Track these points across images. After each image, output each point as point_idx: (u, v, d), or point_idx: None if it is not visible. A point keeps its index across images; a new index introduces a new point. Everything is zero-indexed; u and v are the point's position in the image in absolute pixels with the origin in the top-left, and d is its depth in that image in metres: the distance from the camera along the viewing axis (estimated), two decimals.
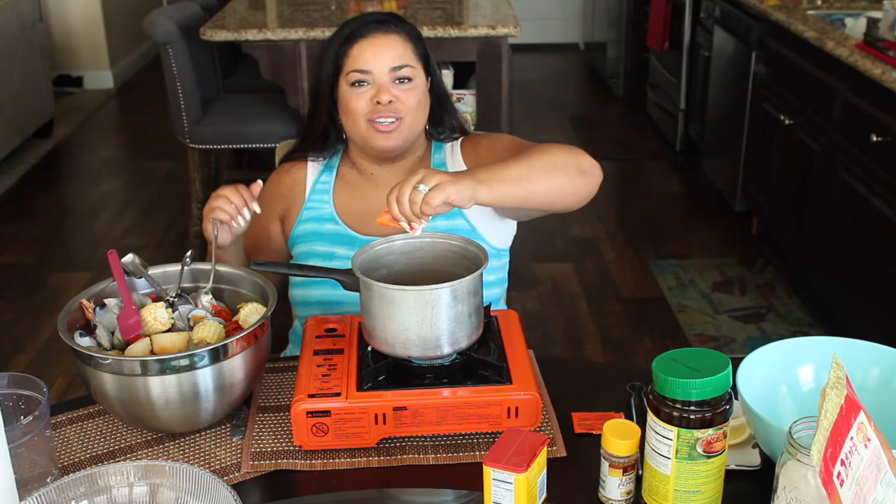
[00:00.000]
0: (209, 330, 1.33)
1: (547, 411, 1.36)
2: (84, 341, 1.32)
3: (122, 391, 1.26)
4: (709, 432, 1.07)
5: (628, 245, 3.92)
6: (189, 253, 1.47)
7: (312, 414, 1.25)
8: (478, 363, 1.34)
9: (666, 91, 5.06)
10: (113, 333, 1.37)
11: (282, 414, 1.37)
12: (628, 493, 1.16)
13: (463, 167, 1.67)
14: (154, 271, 1.47)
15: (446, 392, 1.29)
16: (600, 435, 1.16)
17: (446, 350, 1.32)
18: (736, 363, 1.16)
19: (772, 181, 3.58)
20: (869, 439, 0.94)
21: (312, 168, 1.73)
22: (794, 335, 3.09)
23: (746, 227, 4.02)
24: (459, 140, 1.73)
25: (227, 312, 1.42)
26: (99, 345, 1.34)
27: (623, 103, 5.94)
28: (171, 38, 3.46)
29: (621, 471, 1.15)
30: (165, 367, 1.23)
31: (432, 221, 1.34)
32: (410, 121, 1.61)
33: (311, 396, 1.26)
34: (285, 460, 1.27)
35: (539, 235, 3.93)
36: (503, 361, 1.34)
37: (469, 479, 1.21)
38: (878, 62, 2.67)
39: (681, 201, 4.44)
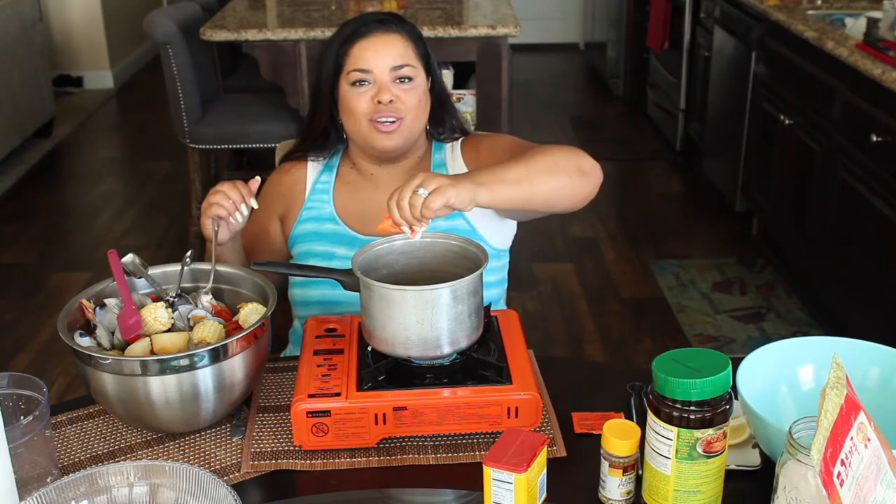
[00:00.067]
0: (209, 330, 1.33)
1: (547, 411, 1.36)
2: (84, 341, 1.32)
3: (122, 391, 1.26)
4: (709, 432, 1.07)
5: (628, 245, 3.92)
6: (189, 253, 1.47)
7: (312, 414, 1.25)
8: (478, 363, 1.34)
9: (666, 91, 5.06)
10: (113, 333, 1.37)
11: (282, 414, 1.37)
12: (628, 493, 1.16)
13: (463, 167, 1.67)
14: (154, 271, 1.47)
15: (446, 392, 1.29)
16: (600, 435, 1.16)
17: (446, 350, 1.32)
18: (736, 363, 1.16)
19: (772, 181, 3.58)
20: (869, 439, 0.94)
21: (312, 168, 1.73)
22: (794, 335, 3.09)
23: (746, 227, 4.02)
24: (460, 140, 1.73)
25: (227, 312, 1.42)
26: (99, 345, 1.34)
27: (623, 103, 5.94)
28: (171, 38, 3.46)
29: (621, 471, 1.15)
30: (165, 367, 1.23)
31: (432, 222, 1.34)
32: (411, 121, 1.61)
33: (311, 396, 1.26)
34: (285, 460, 1.27)
35: (539, 235, 3.93)
36: (503, 361, 1.34)
37: (469, 479, 1.21)
38: (878, 62, 2.67)
39: (681, 201, 4.44)
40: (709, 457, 1.08)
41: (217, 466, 1.27)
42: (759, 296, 3.48)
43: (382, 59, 1.58)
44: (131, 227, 4.20)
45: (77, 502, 1.06)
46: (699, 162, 4.62)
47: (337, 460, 1.27)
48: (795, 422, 1.00)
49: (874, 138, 2.66)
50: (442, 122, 1.72)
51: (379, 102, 1.58)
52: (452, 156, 1.70)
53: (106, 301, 1.40)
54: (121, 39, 6.51)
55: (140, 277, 1.45)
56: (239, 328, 1.36)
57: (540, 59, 7.05)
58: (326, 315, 1.48)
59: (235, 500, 1.01)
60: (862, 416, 0.94)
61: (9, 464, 1.08)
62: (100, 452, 1.31)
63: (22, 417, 1.19)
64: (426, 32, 3.32)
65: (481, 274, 1.33)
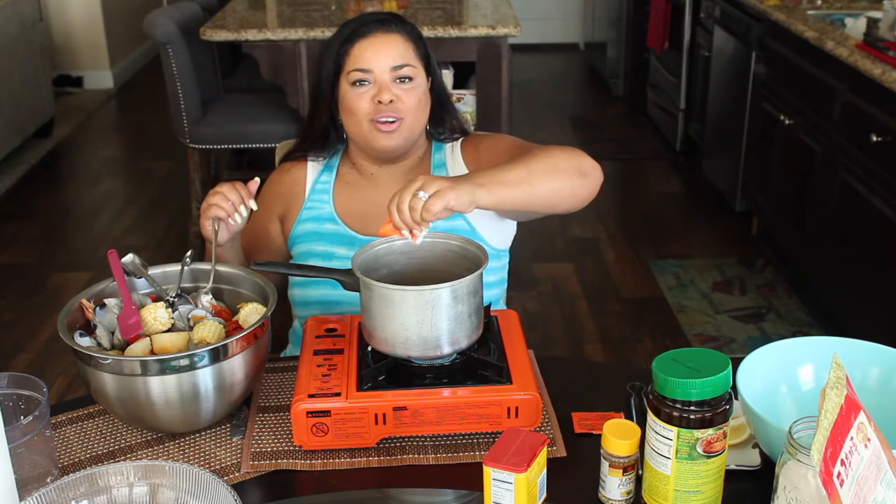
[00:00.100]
0: (209, 330, 1.33)
1: (547, 411, 1.36)
2: (84, 341, 1.32)
3: (122, 391, 1.26)
4: (709, 432, 1.07)
5: (628, 245, 3.92)
6: (189, 253, 1.47)
7: (312, 414, 1.25)
8: (478, 363, 1.34)
9: (666, 91, 5.06)
10: (113, 333, 1.37)
11: (282, 414, 1.37)
12: (628, 493, 1.16)
13: (463, 167, 1.67)
14: (154, 271, 1.47)
15: (446, 392, 1.29)
16: (600, 435, 1.16)
17: (446, 350, 1.32)
18: (736, 363, 1.16)
19: (772, 181, 3.58)
20: (869, 439, 0.94)
21: (312, 168, 1.73)
22: (794, 335, 3.09)
23: (746, 227, 4.02)
24: (460, 140, 1.73)
25: (227, 312, 1.42)
26: (99, 345, 1.34)
27: (623, 103, 5.94)
28: (171, 38, 3.46)
29: (621, 471, 1.15)
30: (165, 367, 1.23)
31: (431, 224, 1.34)
32: (411, 121, 1.61)
33: (311, 396, 1.26)
34: (285, 460, 1.27)
35: (539, 235, 3.93)
36: (503, 361, 1.34)
37: (469, 479, 1.21)
38: (878, 62, 2.67)
39: (681, 201, 4.44)
40: (709, 457, 1.08)
41: (217, 466, 1.27)
42: (759, 296, 3.48)
43: (383, 58, 1.58)
44: (131, 227, 4.20)
45: (77, 502, 1.06)
46: (699, 162, 4.62)
47: (337, 460, 1.27)
48: (795, 422, 1.00)
49: (874, 138, 2.66)
50: (442, 122, 1.72)
51: (379, 102, 1.58)
52: (452, 156, 1.70)
53: (106, 301, 1.40)
54: (121, 39, 6.51)
55: (140, 277, 1.45)
56: (239, 328, 1.36)
57: (540, 59, 7.05)
58: (326, 315, 1.48)
59: (235, 500, 1.01)
60: (862, 416, 0.94)
61: (9, 464, 1.08)
62: (100, 452, 1.31)
63: (22, 417, 1.19)
64: (426, 32, 3.32)
65: (481, 274, 1.33)
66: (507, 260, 1.75)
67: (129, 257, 1.44)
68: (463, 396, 1.28)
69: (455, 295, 1.29)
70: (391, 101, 1.58)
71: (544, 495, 1.15)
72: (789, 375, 1.29)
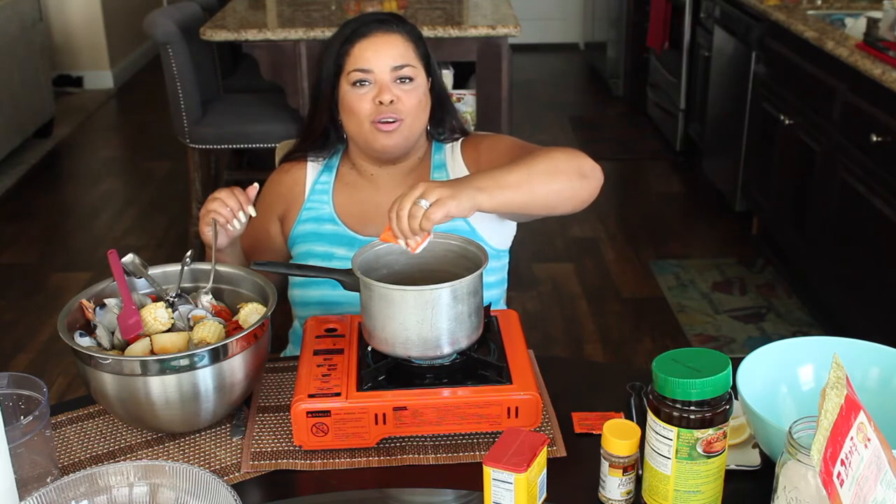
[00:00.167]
0: (209, 330, 1.33)
1: (547, 411, 1.36)
2: (84, 341, 1.32)
3: (122, 391, 1.26)
4: (709, 432, 1.07)
5: (628, 245, 3.92)
6: (189, 253, 1.47)
7: (312, 414, 1.25)
8: (478, 363, 1.34)
9: (666, 91, 5.06)
10: (113, 333, 1.37)
11: (282, 414, 1.37)
12: (628, 493, 1.16)
13: (463, 168, 1.67)
14: (154, 271, 1.47)
15: (446, 392, 1.29)
16: (600, 435, 1.16)
17: (446, 350, 1.32)
18: (736, 363, 1.16)
19: (772, 181, 3.58)
20: (869, 439, 0.94)
21: (312, 168, 1.73)
22: (794, 335, 3.09)
23: (746, 227, 4.02)
24: (460, 141, 1.73)
25: (227, 312, 1.42)
26: (99, 345, 1.34)
27: (623, 103, 5.94)
28: (171, 38, 3.46)
29: (621, 471, 1.15)
30: (165, 367, 1.23)
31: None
32: (411, 121, 1.61)
33: (311, 396, 1.26)
34: (285, 460, 1.27)
35: (539, 236, 3.93)
36: (503, 361, 1.34)
37: (469, 479, 1.21)
38: (878, 62, 2.67)
39: (681, 201, 4.44)
40: (709, 457, 1.08)
41: (217, 466, 1.27)
42: (759, 296, 3.48)
43: (383, 58, 1.58)
44: (131, 227, 4.20)
45: (77, 502, 1.06)
46: (699, 162, 4.62)
47: (337, 460, 1.27)
48: (795, 422, 1.00)
49: (874, 138, 2.66)
50: (442, 122, 1.72)
51: (380, 103, 1.58)
52: (452, 156, 1.70)
53: (106, 301, 1.40)
54: (121, 39, 6.51)
55: (140, 277, 1.45)
56: (239, 328, 1.36)
57: (540, 59, 7.05)
58: (326, 315, 1.48)
59: (235, 500, 1.01)
60: (862, 416, 0.94)
61: (9, 464, 1.08)
62: (100, 452, 1.31)
63: (22, 417, 1.19)
64: (426, 32, 3.32)
65: (481, 274, 1.33)
66: (507, 260, 1.75)
67: (129, 257, 1.44)
68: (463, 396, 1.28)
69: (455, 295, 1.29)
70: (392, 102, 1.58)
71: (544, 495, 1.15)
72: (789, 375, 1.29)
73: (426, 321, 1.29)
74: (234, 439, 1.32)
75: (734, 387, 1.12)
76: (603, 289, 3.56)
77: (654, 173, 4.81)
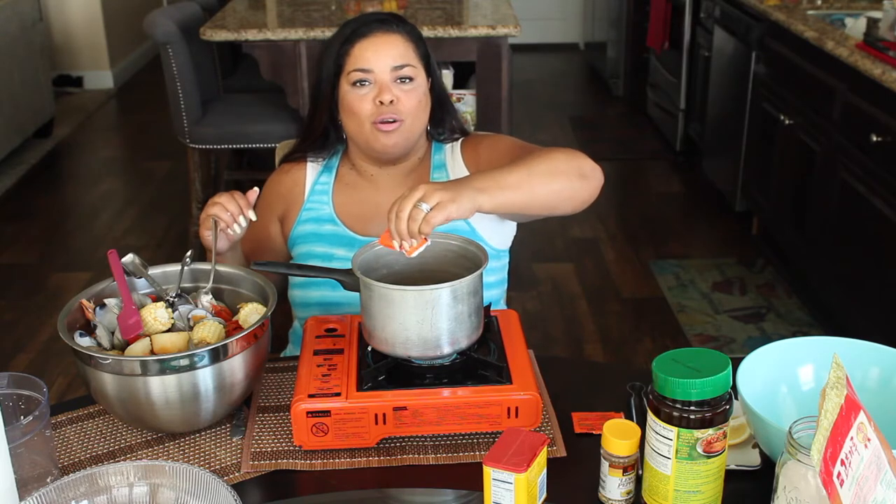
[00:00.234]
0: (209, 330, 1.33)
1: (547, 411, 1.36)
2: (84, 341, 1.32)
3: (122, 391, 1.26)
4: (709, 432, 1.07)
5: (628, 245, 3.93)
6: (189, 253, 1.47)
7: (312, 414, 1.25)
8: (478, 363, 1.34)
9: (666, 91, 5.06)
10: (113, 333, 1.37)
11: (282, 414, 1.37)
12: (628, 493, 1.16)
13: (463, 168, 1.67)
14: (154, 271, 1.47)
15: (446, 392, 1.29)
16: (600, 435, 1.16)
17: (446, 350, 1.32)
18: (736, 363, 1.16)
19: (772, 181, 3.58)
20: (869, 439, 0.94)
21: (312, 169, 1.73)
22: (794, 335, 3.09)
23: (746, 227, 4.03)
24: (459, 141, 1.73)
25: (227, 312, 1.42)
26: (99, 345, 1.34)
27: (623, 103, 5.94)
28: (171, 38, 3.46)
29: (621, 471, 1.15)
30: (165, 367, 1.23)
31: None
32: (411, 122, 1.61)
33: (311, 396, 1.26)
34: (285, 460, 1.27)
35: (539, 236, 3.93)
36: (503, 361, 1.34)
37: (469, 479, 1.21)
38: (878, 62, 2.67)
39: (681, 201, 4.44)
40: (709, 457, 1.08)
41: (217, 466, 1.27)
42: (759, 296, 3.48)
43: (383, 58, 1.58)
44: (131, 227, 4.20)
45: (77, 502, 1.06)
46: (699, 162, 4.62)
47: (337, 460, 1.27)
48: (795, 422, 1.00)
49: (874, 138, 2.66)
50: (442, 122, 1.71)
51: (380, 103, 1.58)
52: (452, 157, 1.70)
53: (106, 301, 1.40)
54: (121, 39, 6.51)
55: (140, 277, 1.45)
56: (239, 328, 1.36)
57: (540, 59, 7.05)
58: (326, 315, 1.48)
59: (235, 500, 1.01)
60: (862, 416, 0.94)
61: (9, 464, 1.08)
62: (100, 452, 1.31)
63: (22, 417, 1.19)
64: (426, 32, 3.32)
65: (481, 274, 1.33)
66: (507, 260, 1.75)
67: (129, 257, 1.44)
68: (463, 396, 1.28)
69: (455, 295, 1.29)
70: (392, 102, 1.58)
71: (544, 495, 1.15)
72: (789, 375, 1.29)
73: (426, 321, 1.29)
74: (234, 439, 1.32)
75: (734, 387, 1.12)
76: (603, 289, 3.56)
77: (654, 173, 4.81)
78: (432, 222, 1.28)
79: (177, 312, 1.40)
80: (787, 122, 3.35)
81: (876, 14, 3.02)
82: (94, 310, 1.38)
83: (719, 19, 4.20)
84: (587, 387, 1.47)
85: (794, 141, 3.32)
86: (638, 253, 3.85)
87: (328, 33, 3.06)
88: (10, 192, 4.60)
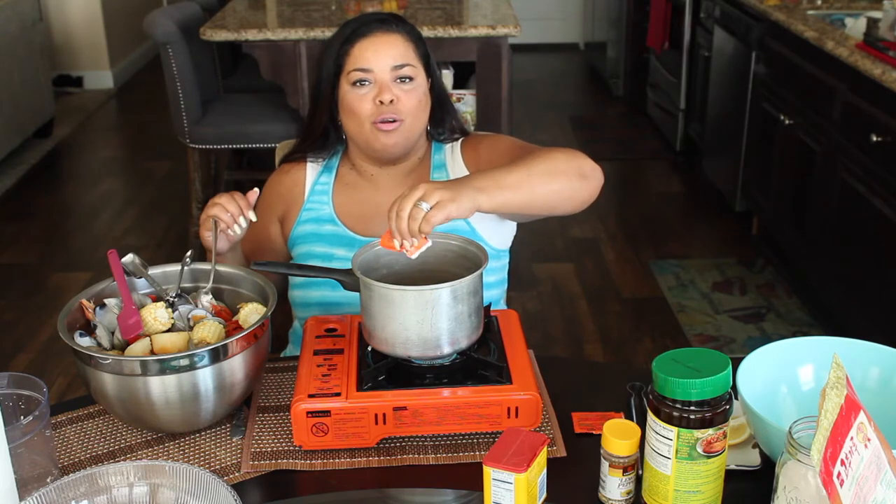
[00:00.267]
0: (209, 330, 1.33)
1: (547, 411, 1.36)
2: (84, 341, 1.32)
3: (122, 391, 1.26)
4: (709, 432, 1.07)
5: (628, 245, 3.93)
6: (189, 253, 1.47)
7: (312, 414, 1.25)
8: (478, 363, 1.34)
9: (666, 91, 5.06)
10: (113, 333, 1.37)
11: (282, 414, 1.37)
12: (628, 493, 1.16)
13: (463, 168, 1.67)
14: (154, 271, 1.47)
15: (446, 392, 1.29)
16: (600, 435, 1.16)
17: (446, 350, 1.32)
18: (736, 363, 1.16)
19: (772, 181, 3.58)
20: (869, 439, 0.94)
21: (311, 169, 1.73)
22: (794, 335, 3.09)
23: (746, 227, 4.02)
24: (459, 141, 1.73)
25: (227, 312, 1.42)
26: (99, 345, 1.34)
27: (623, 103, 5.94)
28: (171, 38, 3.46)
29: (621, 471, 1.15)
30: (165, 367, 1.23)
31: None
32: (411, 122, 1.61)
33: (311, 396, 1.26)
34: (285, 460, 1.27)
35: (539, 236, 3.93)
36: (503, 361, 1.34)
37: (469, 479, 1.21)
38: (878, 62, 2.67)
39: (681, 201, 4.44)
40: (709, 457, 1.08)
41: (217, 466, 1.27)
42: (759, 296, 3.48)
43: (383, 58, 1.58)
44: (131, 227, 4.20)
45: (77, 502, 1.06)
46: (699, 162, 4.62)
47: (337, 460, 1.27)
48: (795, 422, 1.00)
49: (874, 138, 2.66)
50: (442, 122, 1.71)
51: (381, 103, 1.58)
52: (452, 157, 1.70)
53: (106, 301, 1.40)
54: (121, 39, 6.51)
55: (140, 277, 1.45)
56: (239, 328, 1.36)
57: (540, 59, 7.05)
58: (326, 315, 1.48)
59: (235, 500, 1.01)
60: (862, 416, 0.94)
61: (9, 464, 1.08)
62: (100, 452, 1.31)
63: (22, 417, 1.19)
64: (426, 32, 3.32)
65: (481, 274, 1.33)
66: (507, 260, 1.75)
67: (129, 257, 1.44)
68: (463, 396, 1.28)
69: (455, 295, 1.29)
70: (392, 102, 1.58)
71: (544, 495, 1.15)
72: (789, 375, 1.29)
73: (426, 321, 1.29)
74: (234, 439, 1.32)
75: (734, 387, 1.12)
76: (603, 289, 3.56)
77: (654, 173, 4.81)
78: (432, 221, 1.28)
79: (177, 312, 1.40)
80: (787, 122, 3.35)
81: (876, 14, 3.02)
82: (94, 310, 1.38)
83: (719, 19, 4.20)
84: (587, 387, 1.47)
85: (794, 141, 3.32)
86: (638, 253, 3.85)
87: (328, 33, 3.06)
88: (10, 192, 4.60)
